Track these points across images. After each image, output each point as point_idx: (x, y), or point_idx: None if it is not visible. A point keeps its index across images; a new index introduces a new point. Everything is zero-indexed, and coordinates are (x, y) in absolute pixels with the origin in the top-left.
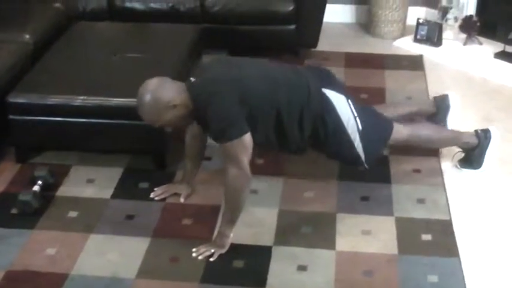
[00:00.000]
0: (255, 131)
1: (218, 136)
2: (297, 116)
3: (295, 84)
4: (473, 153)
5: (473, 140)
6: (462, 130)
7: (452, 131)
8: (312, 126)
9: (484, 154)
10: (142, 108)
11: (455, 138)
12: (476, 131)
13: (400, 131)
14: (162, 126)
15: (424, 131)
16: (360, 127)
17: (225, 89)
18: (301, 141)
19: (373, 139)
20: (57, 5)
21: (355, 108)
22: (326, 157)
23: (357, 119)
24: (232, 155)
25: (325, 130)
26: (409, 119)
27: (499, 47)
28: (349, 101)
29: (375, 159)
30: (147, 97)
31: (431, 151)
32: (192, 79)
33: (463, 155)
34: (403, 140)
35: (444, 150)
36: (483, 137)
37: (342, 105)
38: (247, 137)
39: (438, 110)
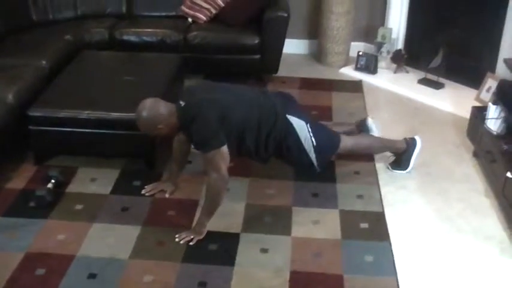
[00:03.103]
0: (231, 143)
1: (200, 147)
2: (264, 135)
3: (265, 108)
4: (401, 157)
5: (403, 146)
6: (393, 139)
7: (386, 139)
8: (275, 144)
9: (411, 158)
10: (140, 122)
11: (388, 145)
12: (405, 138)
13: (346, 142)
14: (155, 136)
15: (365, 141)
16: (315, 143)
17: (207, 111)
18: (265, 154)
19: (324, 150)
20: (68, 37)
21: (311, 128)
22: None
23: (312, 138)
24: (213, 163)
25: (287, 147)
26: (350, 133)
27: (421, 74)
28: (308, 124)
29: (326, 164)
30: (144, 114)
31: (368, 156)
32: (182, 102)
33: (393, 158)
34: (348, 149)
35: (377, 156)
36: (410, 143)
37: (302, 129)
38: (225, 148)
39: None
